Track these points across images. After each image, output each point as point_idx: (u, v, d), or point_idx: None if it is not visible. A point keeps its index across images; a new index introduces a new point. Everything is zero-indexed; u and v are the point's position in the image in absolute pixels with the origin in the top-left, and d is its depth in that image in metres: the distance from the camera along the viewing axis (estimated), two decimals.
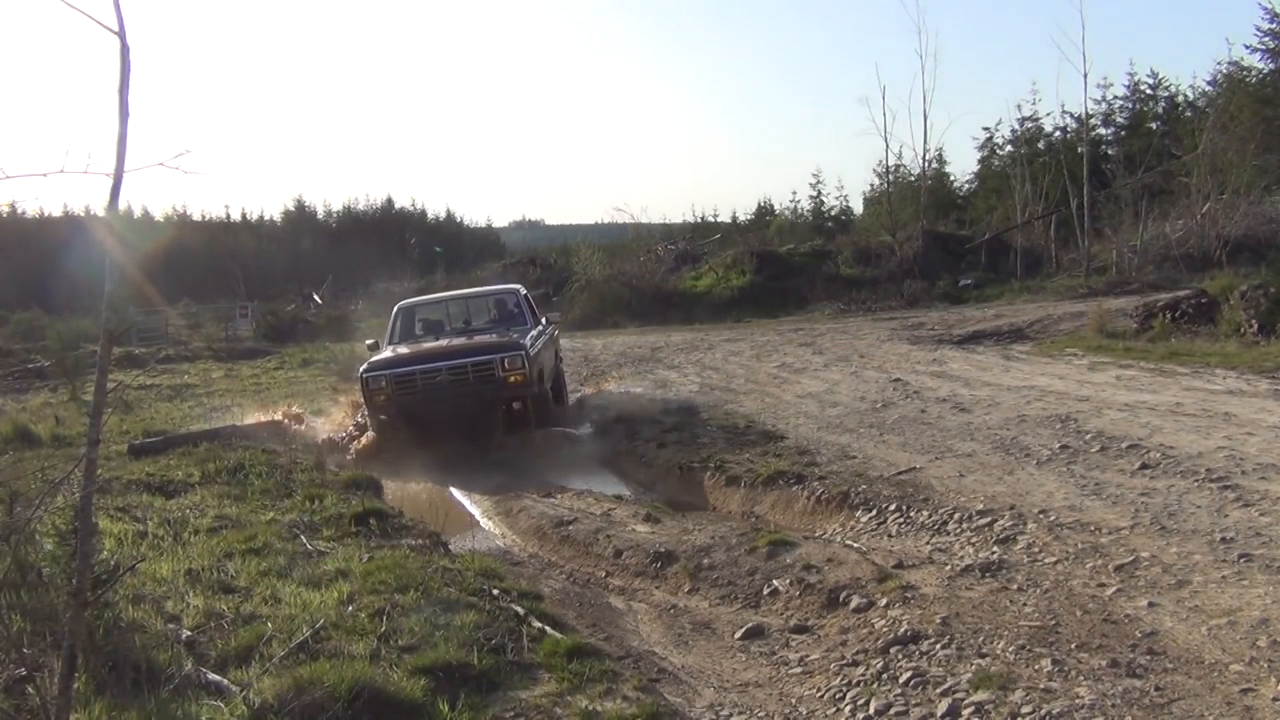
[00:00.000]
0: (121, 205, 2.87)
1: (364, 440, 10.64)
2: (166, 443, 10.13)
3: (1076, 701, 3.54)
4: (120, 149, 2.65)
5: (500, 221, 71.50)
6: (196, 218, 58.27)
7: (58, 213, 51.16)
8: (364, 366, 10.28)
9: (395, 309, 12.02)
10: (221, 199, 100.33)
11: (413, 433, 10.12)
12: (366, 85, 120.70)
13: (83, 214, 47.29)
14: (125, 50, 2.64)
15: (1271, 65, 30.08)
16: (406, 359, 10.49)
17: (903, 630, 4.44)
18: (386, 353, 10.90)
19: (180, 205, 59.44)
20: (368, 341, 12.11)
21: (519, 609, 4.87)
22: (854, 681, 4.09)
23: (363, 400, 10.39)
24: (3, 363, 20.70)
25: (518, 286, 13.39)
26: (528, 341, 10.49)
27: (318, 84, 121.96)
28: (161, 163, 2.75)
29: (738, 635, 4.92)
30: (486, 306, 12.37)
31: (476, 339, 10.95)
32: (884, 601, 4.87)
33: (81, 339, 19.56)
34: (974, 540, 5.61)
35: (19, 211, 47.05)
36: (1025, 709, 3.55)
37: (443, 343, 11.03)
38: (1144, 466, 6.54)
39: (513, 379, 9.95)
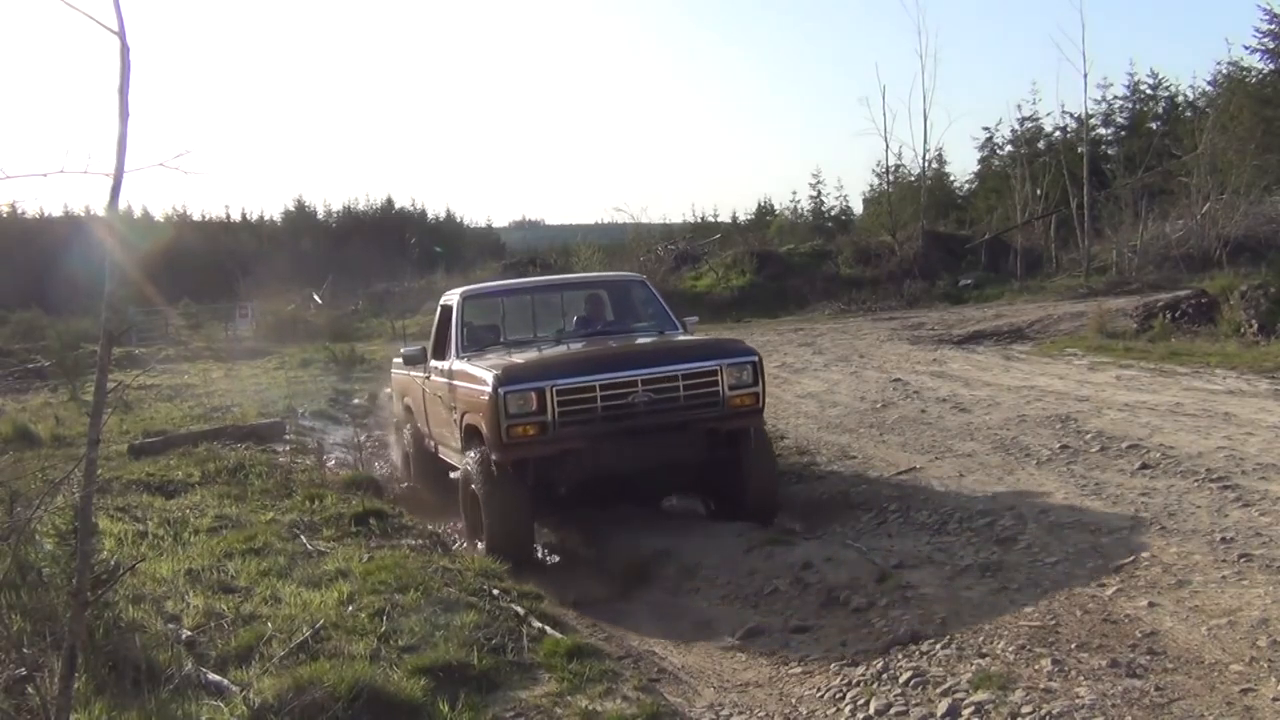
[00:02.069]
0: (121, 205, 2.87)
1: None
2: (166, 443, 10.13)
3: (1076, 701, 3.54)
4: (120, 149, 2.66)
5: (500, 221, 71.42)
6: (196, 218, 58.16)
7: (58, 213, 51.10)
8: (495, 375, 6.21)
9: (458, 299, 7.67)
10: (221, 199, 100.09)
11: (558, 499, 6.73)
12: (366, 85, 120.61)
13: (83, 214, 47.27)
14: (125, 50, 2.64)
15: (1271, 65, 30.08)
16: (569, 364, 6.55)
17: (902, 630, 4.44)
18: (511, 356, 6.89)
19: (180, 205, 59.31)
20: (406, 350, 8.06)
21: (519, 609, 4.88)
22: (854, 681, 4.09)
23: (489, 433, 6.27)
24: (3, 363, 20.71)
25: (641, 276, 9.50)
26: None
27: (318, 84, 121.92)
28: (161, 163, 2.75)
29: (738, 635, 4.92)
30: (606, 300, 8.31)
31: (669, 340, 7.31)
32: (884, 601, 4.87)
33: (81, 339, 19.54)
34: (974, 540, 5.61)
35: (19, 211, 47.04)
36: (1025, 709, 3.55)
37: (604, 342, 7.30)
38: (1144, 466, 6.54)
39: (739, 400, 6.48)
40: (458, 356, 7.18)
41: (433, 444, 8.27)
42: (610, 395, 6.22)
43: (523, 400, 6.11)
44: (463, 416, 6.81)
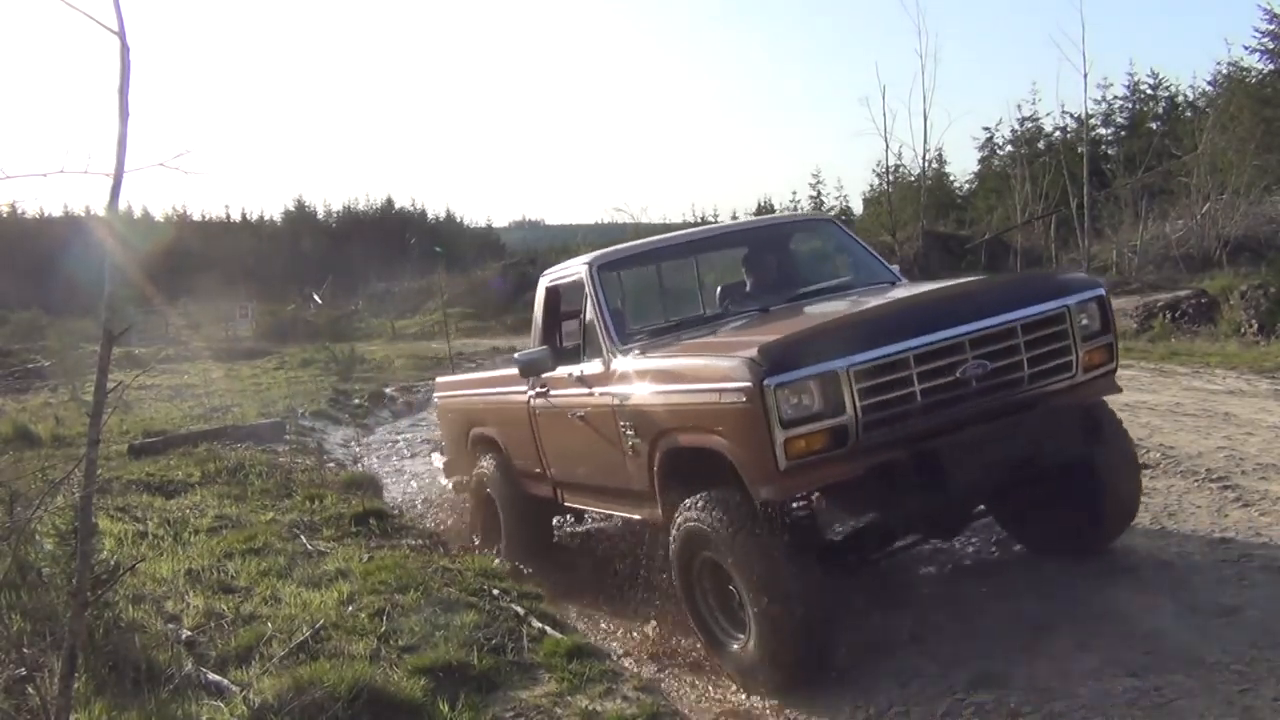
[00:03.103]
0: (121, 205, 2.88)
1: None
2: (166, 443, 10.13)
3: (1076, 701, 3.54)
4: (120, 149, 2.66)
5: (500, 221, 71.36)
6: (196, 218, 58.26)
7: (58, 213, 51.14)
8: (751, 361, 3.90)
9: (589, 273, 5.36)
10: (221, 199, 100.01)
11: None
12: (366, 85, 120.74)
13: (83, 214, 47.30)
14: (125, 50, 2.64)
15: (1271, 65, 30.10)
16: (863, 327, 4.18)
17: (903, 631, 4.43)
18: (724, 334, 4.81)
19: (180, 205, 59.39)
20: (524, 355, 5.46)
21: (519, 609, 4.88)
22: (854, 682, 4.09)
23: (749, 458, 3.99)
24: (3, 363, 20.72)
25: (828, 215, 6.83)
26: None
27: (318, 84, 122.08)
28: (161, 163, 2.76)
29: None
30: (793, 252, 6.07)
31: (985, 279, 5.53)
32: (884, 602, 4.86)
33: (81, 339, 19.57)
34: (974, 540, 5.61)
35: (19, 211, 47.08)
36: (1025, 709, 3.55)
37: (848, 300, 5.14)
38: (1144, 466, 6.52)
39: (1091, 358, 4.48)
40: (619, 352, 4.91)
41: (554, 492, 5.91)
42: (930, 371, 3.98)
43: (803, 395, 3.83)
44: (655, 442, 4.52)
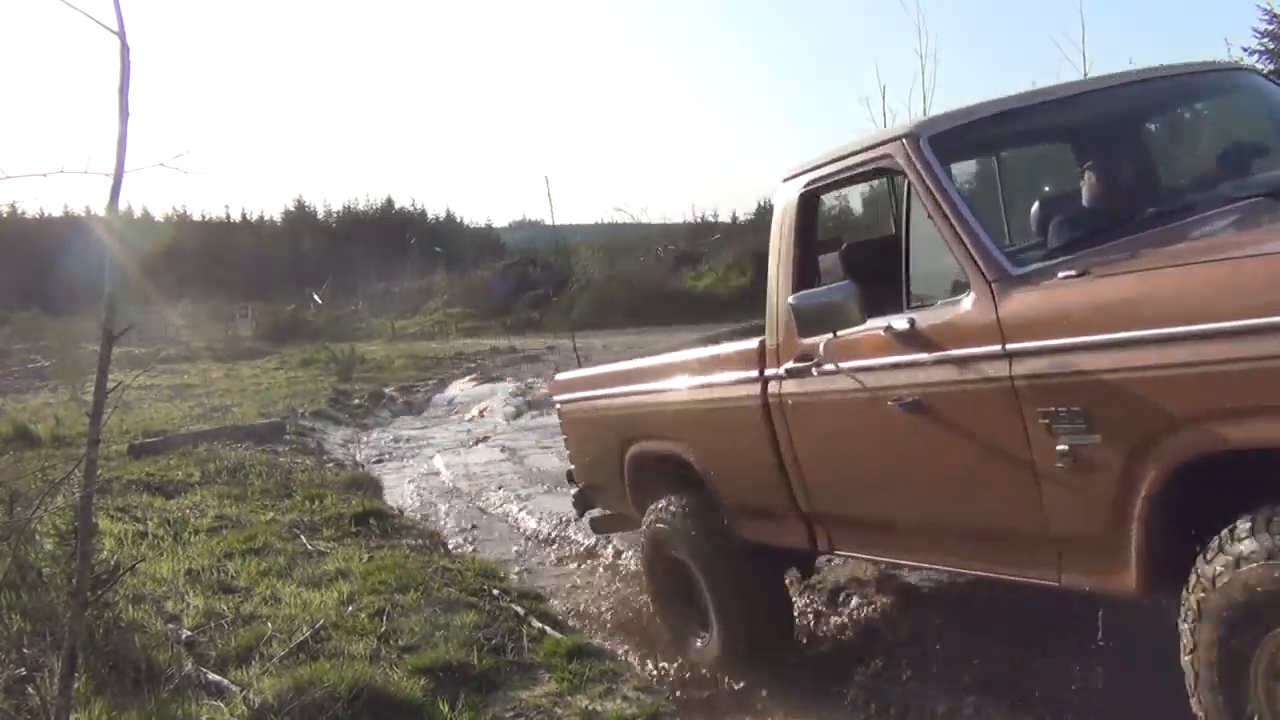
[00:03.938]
0: (121, 205, 2.88)
1: None
2: (166, 443, 10.14)
3: (1076, 702, 3.54)
4: (120, 149, 2.66)
5: (500, 221, 71.23)
6: (196, 218, 58.09)
7: (58, 213, 51.05)
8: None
9: (909, 148, 3.03)
10: (221, 199, 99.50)
11: None
12: (366, 85, 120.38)
13: (83, 214, 47.20)
14: (125, 50, 2.64)
15: (1271, 66, 30.13)
16: None
17: (904, 631, 4.43)
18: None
19: (180, 205, 59.20)
20: (803, 295, 3.21)
21: (519, 609, 4.88)
22: (855, 682, 4.09)
23: None
24: (3, 363, 20.73)
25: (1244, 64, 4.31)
26: None
27: (318, 84, 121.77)
28: (161, 163, 2.75)
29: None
30: (1212, 122, 4.65)
31: None
32: (885, 602, 4.86)
33: (81, 339, 19.58)
34: None
35: (19, 211, 47.02)
36: (1026, 707, 3.55)
37: None
38: None
39: None
40: (1015, 278, 2.77)
41: (812, 537, 3.83)
42: None
43: None
44: (1150, 443, 2.40)
